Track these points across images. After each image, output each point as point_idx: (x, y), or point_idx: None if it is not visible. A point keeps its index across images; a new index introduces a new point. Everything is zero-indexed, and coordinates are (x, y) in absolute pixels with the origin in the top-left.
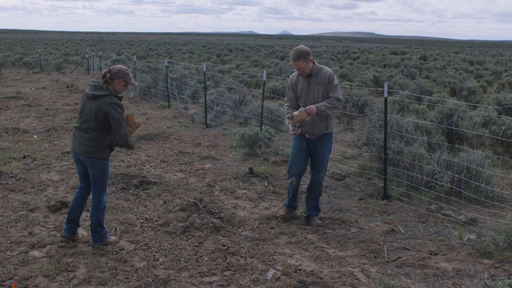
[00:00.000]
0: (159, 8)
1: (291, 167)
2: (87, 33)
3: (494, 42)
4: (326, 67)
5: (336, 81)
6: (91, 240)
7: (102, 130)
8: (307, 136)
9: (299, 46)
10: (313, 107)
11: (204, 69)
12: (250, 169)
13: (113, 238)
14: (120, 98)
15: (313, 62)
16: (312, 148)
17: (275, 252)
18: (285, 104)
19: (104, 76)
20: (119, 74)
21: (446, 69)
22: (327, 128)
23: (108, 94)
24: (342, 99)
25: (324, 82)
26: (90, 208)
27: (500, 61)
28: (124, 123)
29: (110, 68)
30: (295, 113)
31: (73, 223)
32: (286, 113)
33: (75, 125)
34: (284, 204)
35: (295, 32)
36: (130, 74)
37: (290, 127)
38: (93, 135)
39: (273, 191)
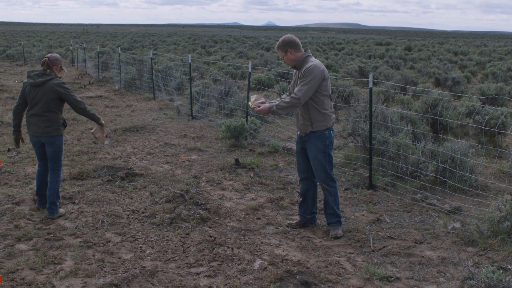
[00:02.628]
0: None
1: (297, 168)
2: (71, 25)
3: (478, 33)
4: (315, 63)
5: (308, 77)
6: (47, 214)
7: (56, 110)
8: (298, 132)
9: (285, 36)
10: (265, 107)
11: (189, 61)
12: (236, 160)
13: (61, 210)
14: None
15: (298, 54)
16: (305, 147)
17: (261, 242)
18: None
19: (44, 63)
20: (57, 61)
21: (430, 60)
22: (312, 126)
23: (54, 77)
24: (300, 97)
25: (300, 76)
26: (49, 184)
27: (484, 51)
28: (77, 97)
29: (48, 56)
30: (252, 99)
31: (42, 196)
32: None
33: (30, 113)
34: (298, 216)
35: (280, 23)
36: (64, 62)
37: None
38: (49, 116)
39: (259, 182)
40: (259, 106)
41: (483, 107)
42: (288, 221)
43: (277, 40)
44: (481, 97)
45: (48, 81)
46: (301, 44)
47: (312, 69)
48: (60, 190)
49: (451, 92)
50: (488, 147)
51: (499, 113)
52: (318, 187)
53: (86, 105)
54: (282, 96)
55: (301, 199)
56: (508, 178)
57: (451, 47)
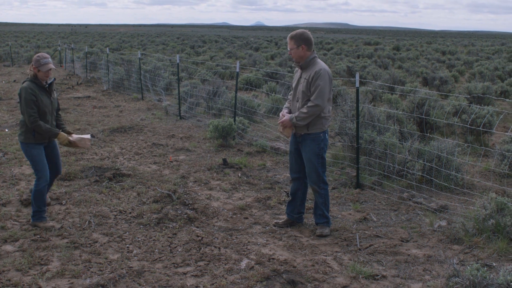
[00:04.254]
0: None
1: (289, 168)
2: (59, 25)
3: (466, 33)
4: (322, 65)
5: (321, 81)
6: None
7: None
8: (293, 132)
9: (302, 30)
10: (286, 119)
11: (178, 61)
12: (224, 160)
13: (48, 224)
14: (48, 85)
15: (308, 53)
16: (300, 148)
17: (248, 242)
18: (289, 94)
19: None
20: (33, 61)
21: (418, 59)
22: (308, 128)
23: (25, 80)
24: (321, 104)
25: (309, 79)
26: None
27: (471, 51)
28: (30, 108)
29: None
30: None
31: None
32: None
33: None
34: (286, 215)
35: (269, 23)
36: (44, 60)
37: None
38: (21, 122)
39: (247, 182)
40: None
41: (469, 106)
42: (275, 220)
43: (265, 41)
44: (468, 96)
45: (22, 83)
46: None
47: (323, 74)
48: (46, 198)
49: (439, 92)
50: (474, 145)
51: (485, 112)
52: (308, 188)
53: (38, 120)
54: (288, 97)
55: (289, 198)
56: (493, 177)
57: (439, 46)
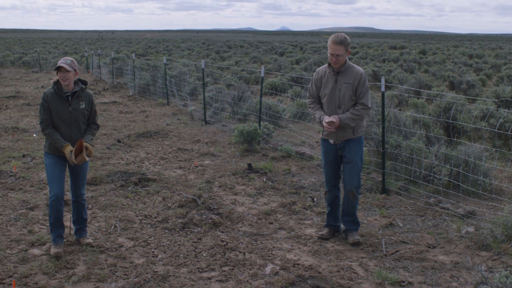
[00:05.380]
0: (157, 5)
1: (325, 178)
2: (86, 31)
3: (494, 36)
4: (358, 66)
5: (367, 83)
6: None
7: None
8: (331, 141)
9: (342, 34)
10: (336, 120)
11: (203, 66)
12: (249, 165)
13: (55, 250)
14: (72, 94)
15: (346, 59)
16: (342, 153)
17: (273, 247)
18: (308, 100)
19: None
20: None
21: (445, 63)
22: (353, 133)
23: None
24: (370, 105)
25: (354, 82)
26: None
27: (499, 54)
28: (42, 114)
29: None
30: (325, 123)
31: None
32: (311, 107)
33: None
34: (323, 227)
35: (294, 28)
36: (60, 61)
37: (325, 124)
38: None
39: (272, 187)
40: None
41: (497, 110)
42: (320, 233)
43: (290, 45)
44: (495, 100)
45: None
46: None
47: (365, 76)
48: (62, 218)
49: (466, 96)
50: (503, 150)
51: None
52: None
53: (48, 129)
54: (312, 105)
55: (329, 209)
56: None
57: (466, 50)
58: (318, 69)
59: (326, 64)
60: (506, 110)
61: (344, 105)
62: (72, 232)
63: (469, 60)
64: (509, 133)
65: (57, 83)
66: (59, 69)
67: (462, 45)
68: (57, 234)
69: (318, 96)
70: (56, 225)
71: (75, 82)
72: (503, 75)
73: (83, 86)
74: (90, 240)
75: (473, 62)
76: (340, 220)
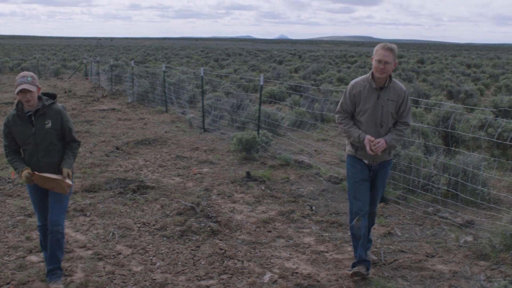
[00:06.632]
0: (156, 13)
1: (355, 203)
2: (85, 38)
3: (491, 45)
4: (400, 83)
5: (410, 101)
6: None
7: None
8: (366, 162)
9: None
10: (382, 142)
11: (202, 74)
12: (248, 173)
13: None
14: (35, 112)
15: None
16: (373, 176)
17: (272, 255)
18: (339, 115)
19: None
20: None
21: (443, 73)
22: (390, 153)
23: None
24: (411, 123)
25: (398, 100)
26: None
27: (497, 64)
28: (4, 140)
29: None
30: (369, 146)
31: None
32: (343, 123)
33: None
34: (354, 264)
35: (293, 37)
36: (18, 80)
37: (368, 148)
38: None
39: (270, 195)
40: (376, 146)
41: (496, 119)
42: (355, 270)
43: (289, 54)
44: (494, 109)
45: None
46: None
47: (408, 93)
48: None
49: (464, 105)
50: (501, 160)
51: None
52: None
53: (10, 155)
54: (345, 121)
55: (361, 240)
56: None
57: (464, 59)
58: (354, 82)
59: (364, 77)
60: (505, 120)
61: (386, 124)
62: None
63: (467, 70)
64: (507, 142)
65: (19, 103)
66: (21, 91)
67: (460, 55)
68: (49, 265)
69: (352, 111)
70: (47, 255)
71: (39, 98)
72: (501, 84)
73: (50, 102)
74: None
75: (471, 72)
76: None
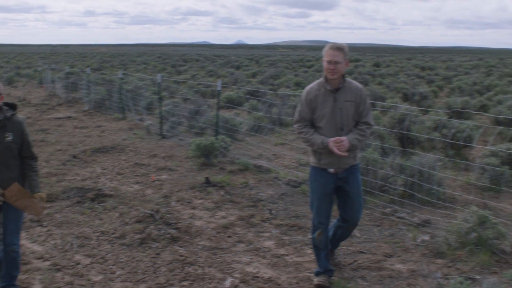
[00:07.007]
0: (112, 19)
1: (317, 217)
2: (39, 45)
3: (444, 48)
4: (356, 82)
5: (368, 100)
6: None
7: None
8: (331, 170)
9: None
10: (345, 141)
11: (159, 80)
12: (207, 178)
13: None
14: None
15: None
16: (343, 185)
17: (232, 260)
18: (298, 125)
19: None
20: None
21: (398, 75)
22: (355, 157)
23: None
24: (373, 124)
25: (356, 99)
26: None
27: (450, 66)
28: None
29: None
30: (333, 143)
31: None
32: (303, 132)
33: None
34: (318, 272)
35: (250, 42)
36: None
37: (335, 150)
38: None
39: (230, 200)
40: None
41: (449, 120)
42: (319, 283)
43: (246, 59)
44: (447, 111)
45: None
46: None
47: (366, 92)
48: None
49: (419, 107)
50: (455, 160)
51: (465, 126)
52: None
53: None
54: (305, 129)
55: (324, 253)
56: (474, 190)
57: (418, 62)
58: (308, 87)
59: (318, 81)
60: (458, 121)
61: (347, 127)
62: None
63: (422, 72)
64: (461, 143)
65: None
66: None
67: (414, 58)
68: None
69: (312, 119)
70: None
71: (0, 108)
72: (454, 86)
73: (11, 113)
74: None
75: (425, 74)
76: (331, 243)
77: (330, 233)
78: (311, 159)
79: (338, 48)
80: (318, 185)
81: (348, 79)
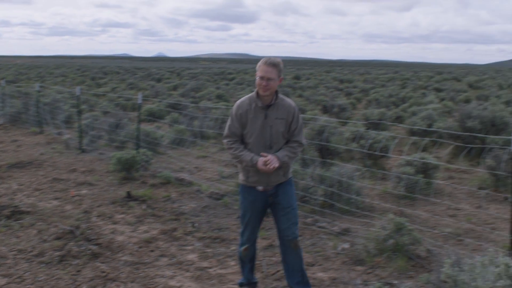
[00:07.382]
0: (28, 30)
1: (245, 233)
2: None
3: (362, 62)
4: (289, 99)
5: (301, 119)
6: None
7: None
8: (260, 188)
9: (276, 57)
10: (274, 160)
11: (78, 93)
12: (128, 193)
13: None
14: None
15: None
16: (274, 200)
17: (155, 275)
18: (227, 140)
19: None
20: None
21: (318, 88)
22: (285, 175)
23: None
24: (304, 143)
25: (287, 117)
26: None
27: (367, 79)
28: None
29: None
30: (261, 162)
31: None
32: (232, 148)
33: None
34: (241, 283)
35: (171, 54)
36: None
37: (263, 165)
38: None
39: (152, 214)
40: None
41: (367, 131)
42: None
43: (167, 71)
44: (365, 122)
45: None
46: None
47: (298, 110)
48: None
49: (338, 119)
50: (373, 169)
51: (381, 137)
52: None
53: None
54: (235, 145)
55: (249, 266)
56: (391, 198)
57: (337, 75)
58: (239, 101)
59: (249, 96)
60: (375, 132)
61: (277, 144)
62: None
63: (340, 85)
64: (378, 153)
65: None
66: None
67: (333, 71)
68: None
69: (242, 134)
70: None
71: None
72: (372, 98)
73: None
74: None
75: (344, 87)
76: (288, 282)
77: (284, 266)
78: (240, 176)
79: (272, 64)
80: (247, 203)
81: (282, 95)
